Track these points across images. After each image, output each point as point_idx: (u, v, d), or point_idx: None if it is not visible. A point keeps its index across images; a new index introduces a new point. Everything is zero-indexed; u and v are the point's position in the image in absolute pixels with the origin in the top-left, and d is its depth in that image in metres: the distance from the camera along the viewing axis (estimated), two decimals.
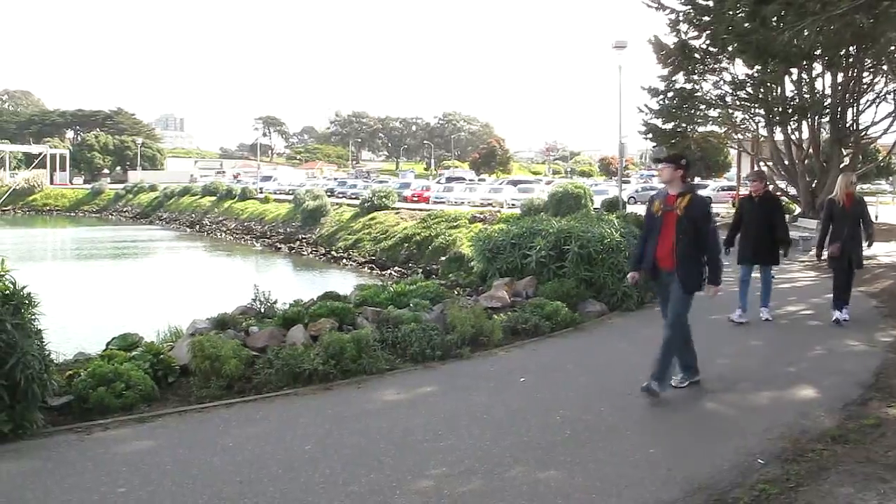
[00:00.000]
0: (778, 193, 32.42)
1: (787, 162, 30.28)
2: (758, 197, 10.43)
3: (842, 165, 27.15)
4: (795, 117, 29.10)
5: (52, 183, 79.35)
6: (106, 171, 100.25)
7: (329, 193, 47.34)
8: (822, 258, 10.34)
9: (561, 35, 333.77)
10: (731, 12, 23.33)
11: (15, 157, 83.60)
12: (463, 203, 41.35)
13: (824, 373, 7.64)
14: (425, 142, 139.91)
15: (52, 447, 5.53)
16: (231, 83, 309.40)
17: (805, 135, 29.67)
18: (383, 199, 36.68)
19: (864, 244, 10.03)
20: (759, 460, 5.20)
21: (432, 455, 5.34)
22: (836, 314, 10.15)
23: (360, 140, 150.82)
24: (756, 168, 33.11)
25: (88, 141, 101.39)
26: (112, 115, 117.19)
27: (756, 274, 10.69)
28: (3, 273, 5.76)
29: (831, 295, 10.39)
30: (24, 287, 5.84)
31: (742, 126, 32.88)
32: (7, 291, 5.72)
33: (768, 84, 28.99)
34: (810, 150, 29.31)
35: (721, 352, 8.71)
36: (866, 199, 11.86)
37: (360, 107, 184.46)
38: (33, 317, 5.86)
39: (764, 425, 5.93)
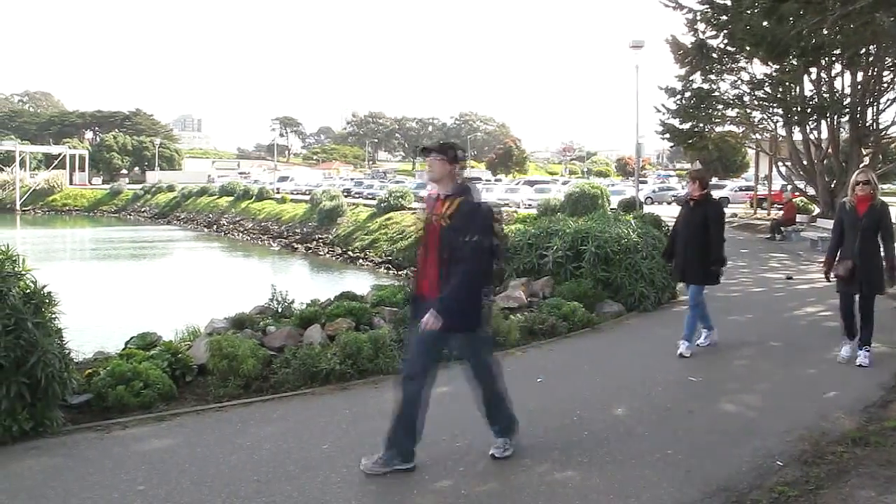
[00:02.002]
0: (796, 194, 32.47)
1: (805, 162, 30.09)
2: (693, 201, 8.60)
3: (861, 165, 26.92)
4: (814, 117, 28.93)
5: (71, 183, 79.93)
6: (124, 171, 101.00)
7: (346, 194, 47.40)
8: (831, 278, 8.11)
9: (577, 35, 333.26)
10: (748, 11, 23.21)
11: (35, 158, 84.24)
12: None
13: (844, 374, 7.58)
14: (442, 142, 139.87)
15: (72, 445, 5.57)
16: (248, 84, 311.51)
17: (824, 134, 29.47)
18: (399, 200, 36.69)
19: (886, 274, 7.74)
20: (778, 462, 5.16)
21: (449, 454, 5.34)
22: (844, 348, 8.14)
23: (376, 140, 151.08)
24: (777, 168, 32.93)
25: (107, 141, 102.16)
26: (130, 115, 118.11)
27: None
28: (23, 272, 5.81)
29: None
30: (44, 286, 5.89)
31: (760, 126, 32.74)
32: (28, 291, 5.77)
33: (787, 83, 28.86)
34: (829, 150, 29.11)
35: (739, 353, 8.67)
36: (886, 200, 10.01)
37: (377, 107, 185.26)
38: (53, 316, 5.91)
39: (783, 427, 5.89)
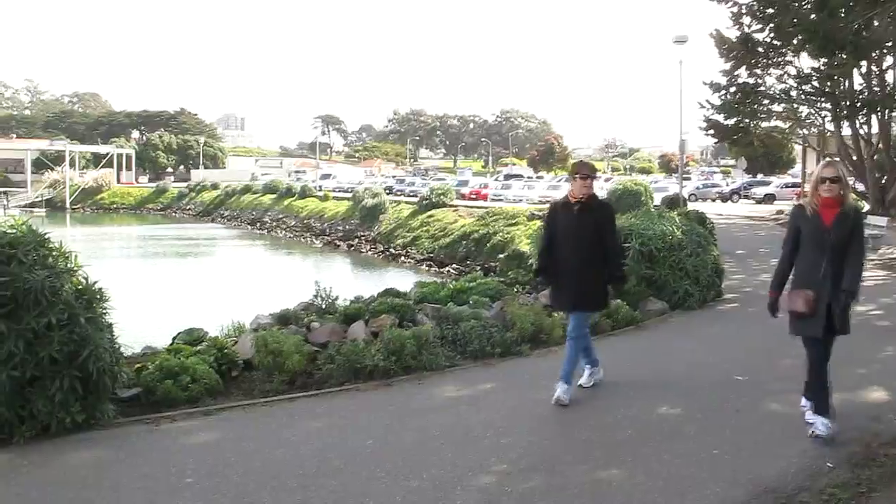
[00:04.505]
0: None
1: (854, 157, 29.45)
2: (579, 204, 6.54)
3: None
4: (864, 111, 28.28)
5: (118, 182, 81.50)
6: (170, 169, 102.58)
7: (387, 191, 47.61)
8: (777, 312, 5.83)
9: (620, 30, 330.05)
10: (796, 3, 22.81)
11: (84, 157, 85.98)
12: (521, 200, 41.18)
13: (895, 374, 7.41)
14: (483, 139, 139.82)
15: (123, 437, 5.69)
16: (290, 83, 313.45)
17: (874, 129, 28.82)
18: (441, 197, 36.71)
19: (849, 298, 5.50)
20: (828, 464, 5.07)
21: (493, 452, 5.34)
22: (810, 419, 5.72)
23: (418, 138, 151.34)
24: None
25: (153, 141, 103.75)
26: (175, 115, 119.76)
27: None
28: (76, 269, 5.94)
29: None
30: (95, 283, 6.03)
31: (807, 121, 32.11)
32: (80, 287, 5.91)
33: (835, 77, 28.24)
34: (880, 145, 28.46)
35: (786, 352, 8.50)
36: None
37: (418, 105, 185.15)
38: (104, 311, 6.05)
39: (833, 428, 5.77)
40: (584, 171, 6.59)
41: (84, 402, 5.68)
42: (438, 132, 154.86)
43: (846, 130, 29.62)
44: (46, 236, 5.91)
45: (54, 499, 4.59)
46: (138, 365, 7.00)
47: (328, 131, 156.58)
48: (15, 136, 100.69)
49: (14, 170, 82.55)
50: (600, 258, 6.50)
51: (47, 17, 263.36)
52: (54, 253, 5.86)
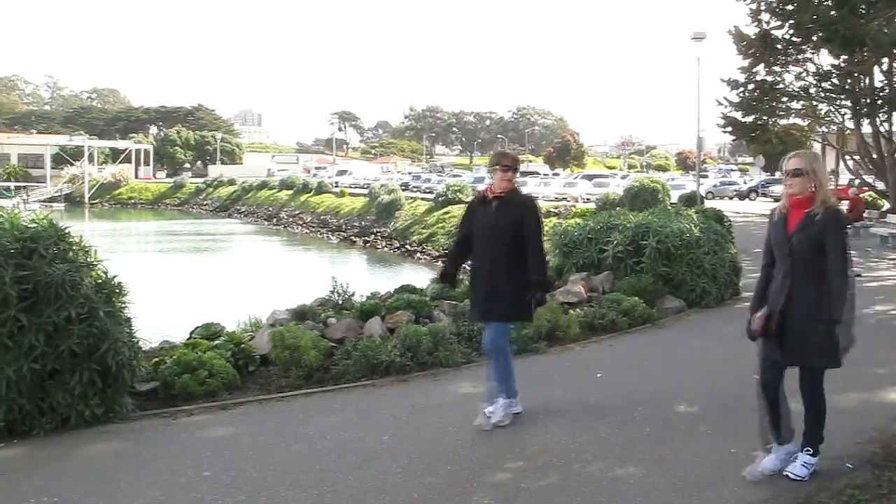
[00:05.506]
0: (865, 189, 31.41)
1: (875, 155, 29.17)
2: (497, 199, 5.87)
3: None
4: (885, 109, 27.98)
5: (136, 177, 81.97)
6: (187, 165, 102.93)
7: (403, 187, 47.63)
8: (754, 331, 4.83)
9: (637, 26, 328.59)
10: (816, 0, 22.61)
11: (103, 153, 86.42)
12: (537, 198, 40.95)
13: None
14: (499, 136, 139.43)
15: (141, 430, 5.73)
16: (307, 79, 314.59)
17: (895, 127, 28.52)
18: (457, 193, 36.68)
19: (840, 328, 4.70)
20: (848, 465, 5.02)
21: (509, 448, 5.33)
22: (766, 458, 4.85)
23: (434, 134, 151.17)
24: (844, 162, 31.75)
25: (171, 136, 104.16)
26: (193, 111, 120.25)
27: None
28: (95, 263, 5.99)
29: None
30: (114, 277, 6.07)
31: (827, 119, 31.82)
32: (99, 281, 5.95)
33: (856, 74, 27.96)
34: None
35: None
36: None
37: (435, 101, 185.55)
38: (123, 305, 6.10)
39: (852, 428, 5.71)
40: (505, 163, 5.89)
41: (103, 396, 5.73)
42: (454, 129, 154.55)
43: (866, 128, 29.32)
44: (66, 231, 5.96)
45: (73, 490, 4.63)
46: (156, 359, 7.05)
47: (344, 127, 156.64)
48: (35, 131, 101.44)
49: (34, 165, 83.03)
50: (519, 262, 5.68)
51: (67, 13, 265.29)
52: (74, 247, 5.90)
